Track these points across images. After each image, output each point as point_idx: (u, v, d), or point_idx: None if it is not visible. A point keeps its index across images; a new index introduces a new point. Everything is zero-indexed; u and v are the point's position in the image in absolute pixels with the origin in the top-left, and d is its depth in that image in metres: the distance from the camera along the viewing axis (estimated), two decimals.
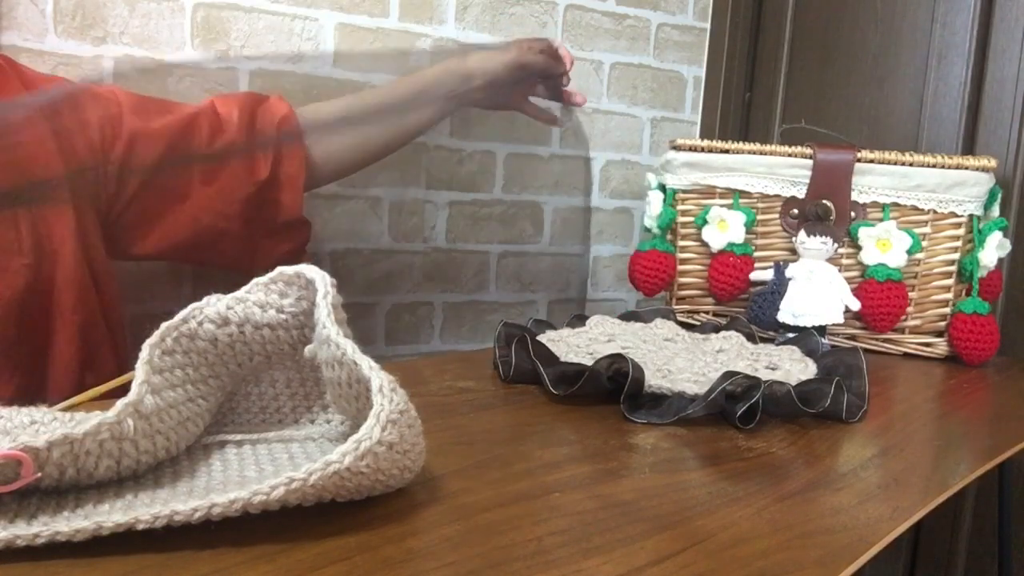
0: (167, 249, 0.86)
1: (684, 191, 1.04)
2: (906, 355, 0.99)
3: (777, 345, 0.85)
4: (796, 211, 1.00)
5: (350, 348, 0.43)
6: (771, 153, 1.00)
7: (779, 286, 0.95)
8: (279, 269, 0.49)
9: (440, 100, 0.98)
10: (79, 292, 0.75)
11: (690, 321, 1.07)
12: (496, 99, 1.02)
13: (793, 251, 0.99)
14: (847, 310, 0.95)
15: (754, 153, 1.00)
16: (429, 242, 1.21)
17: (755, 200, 1.02)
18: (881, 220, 0.96)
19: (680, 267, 1.06)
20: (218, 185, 0.85)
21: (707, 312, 1.07)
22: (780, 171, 1.00)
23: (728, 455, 0.56)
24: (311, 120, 0.92)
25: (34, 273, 0.72)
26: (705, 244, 1.03)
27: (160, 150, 0.82)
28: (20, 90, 0.75)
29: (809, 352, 0.81)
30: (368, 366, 0.42)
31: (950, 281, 0.97)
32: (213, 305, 0.48)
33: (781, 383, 0.64)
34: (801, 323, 0.92)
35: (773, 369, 0.74)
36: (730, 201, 1.02)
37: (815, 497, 0.49)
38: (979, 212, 0.94)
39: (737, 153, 1.01)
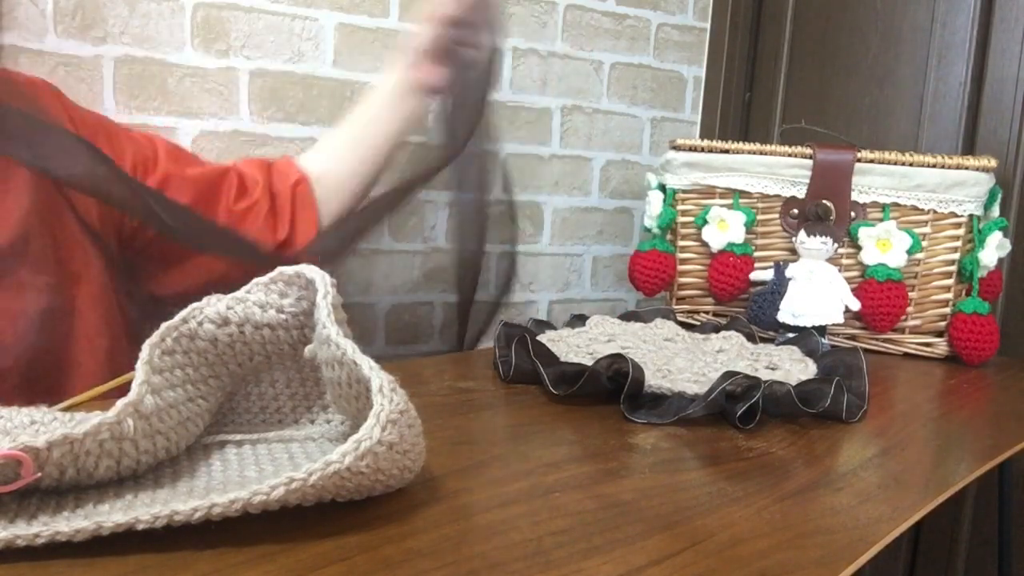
0: (181, 293, 0.86)
1: (684, 191, 1.04)
2: (906, 355, 0.99)
3: (777, 345, 0.85)
4: (796, 211, 1.00)
5: (350, 348, 0.43)
6: (771, 153, 1.00)
7: (779, 286, 0.95)
8: (279, 269, 0.49)
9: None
10: (104, 316, 0.76)
11: (690, 321, 1.07)
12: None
13: (793, 251, 0.99)
14: (847, 310, 0.95)
15: (754, 153, 1.00)
16: (429, 242, 1.21)
17: (755, 200, 1.02)
18: (881, 220, 0.96)
19: (680, 267, 1.06)
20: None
21: (707, 312, 1.07)
22: (780, 171, 1.00)
23: (728, 455, 0.56)
24: (317, 177, 0.93)
25: (57, 292, 0.72)
26: (705, 244, 1.03)
27: (189, 196, 0.83)
28: (64, 120, 0.76)
29: (809, 352, 0.81)
30: (368, 366, 0.42)
31: (950, 281, 0.97)
32: (213, 305, 0.48)
33: (781, 383, 0.64)
34: (801, 323, 0.92)
35: (773, 369, 0.74)
36: (730, 201, 1.02)
37: (815, 497, 0.49)
38: (979, 212, 0.94)
39: (737, 153, 1.01)
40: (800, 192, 0.99)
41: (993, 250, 0.94)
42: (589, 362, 0.67)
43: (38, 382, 0.71)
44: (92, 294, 0.75)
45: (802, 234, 0.96)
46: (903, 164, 0.95)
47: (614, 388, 0.65)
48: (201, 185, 0.84)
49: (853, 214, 0.98)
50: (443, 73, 0.95)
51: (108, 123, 0.83)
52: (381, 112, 0.95)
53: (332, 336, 0.44)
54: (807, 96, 1.35)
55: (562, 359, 0.72)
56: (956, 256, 0.96)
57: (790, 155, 0.99)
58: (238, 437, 0.51)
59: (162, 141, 0.86)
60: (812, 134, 1.05)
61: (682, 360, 0.75)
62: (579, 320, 0.91)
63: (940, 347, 0.98)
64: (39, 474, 0.38)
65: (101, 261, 0.76)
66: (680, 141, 1.05)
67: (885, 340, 0.99)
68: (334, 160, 0.95)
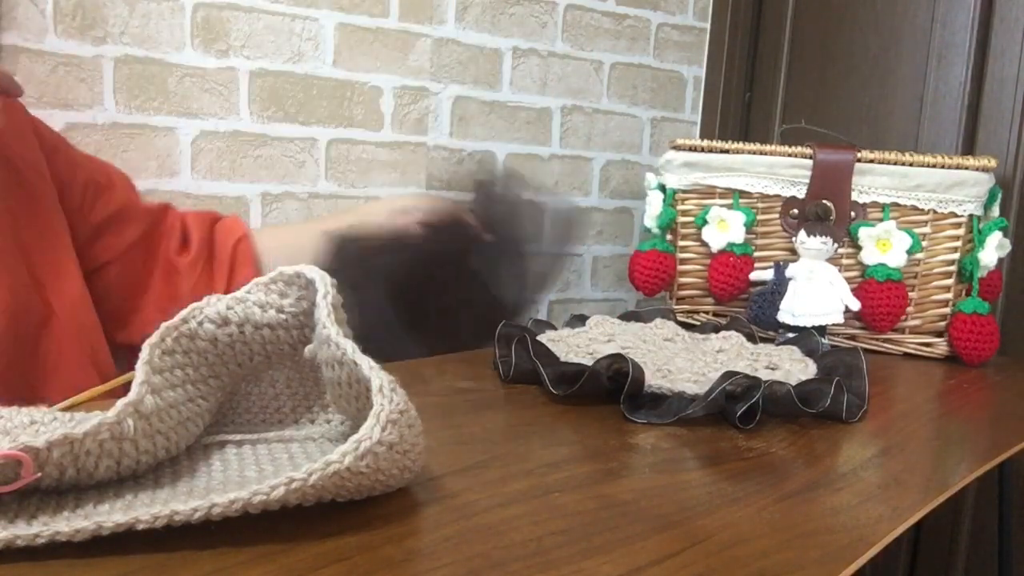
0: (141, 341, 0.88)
1: (684, 191, 1.04)
2: (906, 355, 0.99)
3: (777, 345, 0.85)
4: (796, 211, 1.00)
5: (350, 348, 0.43)
6: (771, 153, 1.00)
7: (779, 286, 0.95)
8: (279, 269, 0.49)
9: None
10: (84, 321, 0.75)
11: (690, 321, 1.07)
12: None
13: (793, 251, 0.99)
14: (847, 310, 0.95)
15: (754, 153, 1.00)
16: None
17: (755, 200, 1.02)
18: (881, 220, 0.96)
19: (680, 267, 1.06)
20: (177, 292, 0.87)
21: (707, 312, 1.07)
22: (780, 171, 1.00)
23: (728, 455, 0.56)
24: (264, 244, 0.95)
25: (29, 292, 0.71)
26: (705, 244, 1.03)
27: (141, 229, 0.85)
28: (30, 132, 0.78)
29: (809, 352, 0.81)
30: (368, 366, 0.42)
31: (950, 281, 0.97)
32: (213, 305, 0.48)
33: (781, 383, 0.64)
34: (801, 323, 0.92)
35: (773, 369, 0.74)
36: (730, 201, 1.02)
37: (815, 497, 0.49)
38: (979, 212, 0.94)
39: (737, 153, 1.01)
40: (800, 192, 0.99)
41: (993, 250, 0.94)
42: (589, 362, 0.67)
43: (15, 383, 0.70)
44: (69, 300, 0.75)
45: (802, 234, 0.96)
46: (903, 164, 0.95)
47: (614, 388, 0.65)
48: (151, 219, 0.87)
49: (853, 214, 0.98)
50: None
51: (66, 143, 0.85)
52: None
53: (332, 336, 0.44)
54: (807, 96, 1.35)
55: (562, 359, 0.72)
56: (956, 256, 0.96)
57: (790, 155, 0.99)
58: (238, 437, 0.51)
59: (116, 170, 0.88)
60: (812, 134, 1.05)
61: (682, 360, 0.75)
62: (579, 320, 0.91)
63: (940, 347, 0.98)
64: (39, 474, 0.38)
65: (78, 268, 0.77)
66: (680, 141, 1.05)
67: (885, 340, 0.99)
68: (294, 247, 0.96)
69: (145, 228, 0.86)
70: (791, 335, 0.90)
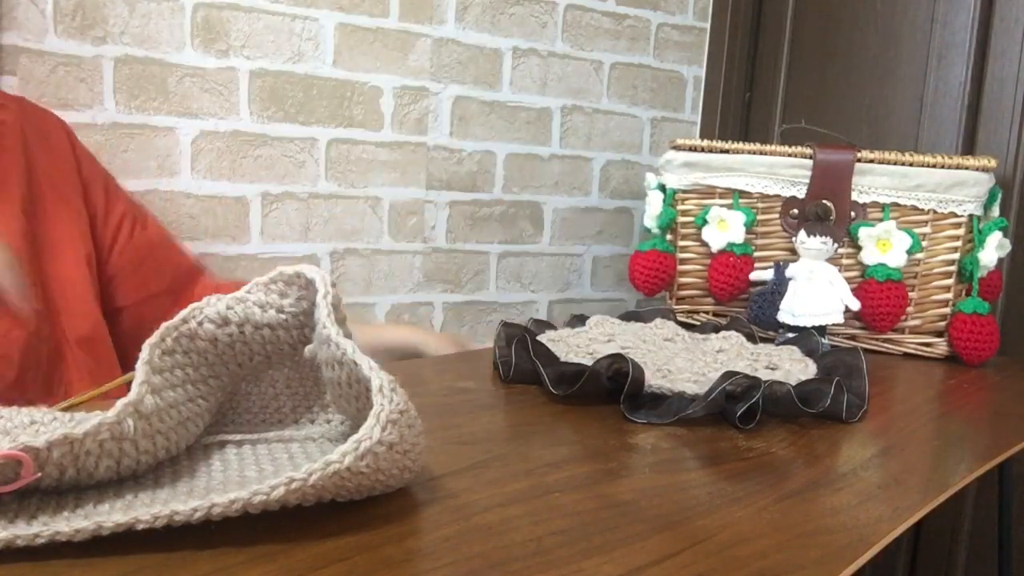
0: (143, 299, 0.87)
1: (684, 191, 1.04)
2: (906, 355, 0.99)
3: (777, 345, 0.85)
4: (796, 211, 1.00)
5: (350, 348, 0.43)
6: (771, 153, 1.00)
7: (779, 286, 0.95)
8: (279, 269, 0.49)
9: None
10: (98, 352, 0.75)
11: (690, 321, 1.07)
12: None
13: (793, 251, 0.99)
14: (847, 310, 0.95)
15: (754, 153, 1.00)
16: (429, 242, 1.21)
17: (755, 200, 1.02)
18: (881, 220, 0.96)
19: (680, 267, 1.06)
20: None
21: (707, 312, 1.07)
22: (780, 171, 1.00)
23: (728, 455, 0.56)
24: None
25: (43, 321, 0.71)
26: (705, 244, 1.03)
27: (167, 280, 0.86)
28: (71, 159, 0.79)
29: (809, 352, 0.81)
30: (368, 366, 0.42)
31: (950, 281, 0.97)
32: (213, 305, 0.48)
33: (781, 383, 0.64)
34: (801, 323, 0.92)
35: (773, 369, 0.74)
36: (730, 201, 1.02)
37: (815, 497, 0.49)
38: (979, 212, 0.94)
39: (737, 153, 1.01)
40: (800, 192, 0.99)
41: (993, 250, 0.94)
42: (589, 362, 0.67)
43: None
44: (82, 330, 0.74)
45: (802, 234, 0.96)
46: (903, 164, 0.95)
47: (614, 388, 0.65)
48: (179, 274, 0.87)
49: (853, 214, 0.98)
50: None
51: (108, 176, 0.86)
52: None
53: (332, 336, 0.44)
54: (807, 96, 1.35)
55: (562, 359, 0.72)
56: (956, 256, 0.96)
57: (790, 155, 0.99)
58: (238, 437, 0.51)
59: (154, 218, 0.89)
60: (812, 134, 1.05)
61: (682, 360, 0.75)
62: (579, 320, 0.91)
63: (940, 347, 0.98)
64: (39, 474, 0.38)
65: (94, 299, 0.76)
66: (680, 141, 1.05)
67: (885, 340, 0.99)
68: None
69: (171, 281, 0.86)
70: (791, 335, 0.90)
